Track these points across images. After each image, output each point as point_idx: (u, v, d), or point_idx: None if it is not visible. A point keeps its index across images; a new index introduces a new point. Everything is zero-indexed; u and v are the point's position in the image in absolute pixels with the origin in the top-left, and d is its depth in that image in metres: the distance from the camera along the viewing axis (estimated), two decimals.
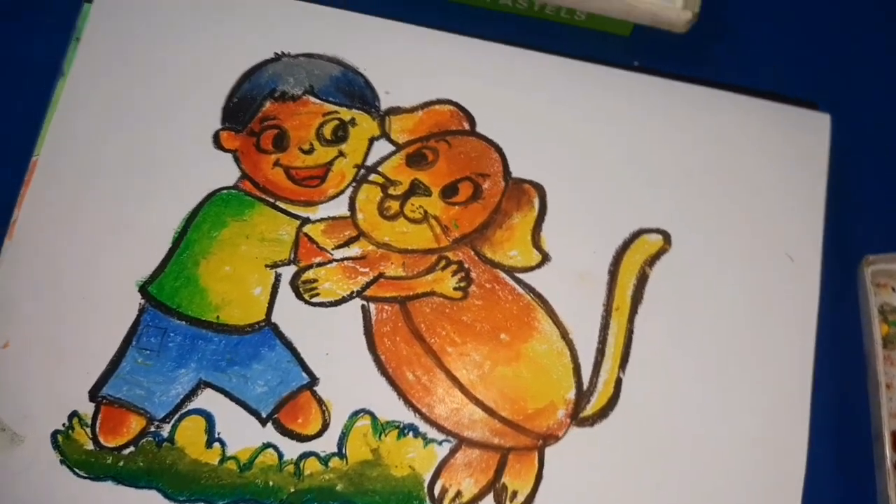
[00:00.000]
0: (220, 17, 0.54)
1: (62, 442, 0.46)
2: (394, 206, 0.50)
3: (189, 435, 0.46)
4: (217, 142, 0.51)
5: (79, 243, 0.49)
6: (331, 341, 0.48)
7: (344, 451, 0.46)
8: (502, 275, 0.49)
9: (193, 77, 0.52)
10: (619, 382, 0.47)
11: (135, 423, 0.47)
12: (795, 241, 0.49)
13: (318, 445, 0.46)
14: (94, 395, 0.47)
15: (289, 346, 0.47)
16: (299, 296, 0.48)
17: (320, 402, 0.47)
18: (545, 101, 0.52)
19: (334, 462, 0.45)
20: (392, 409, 0.46)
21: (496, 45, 0.53)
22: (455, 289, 0.48)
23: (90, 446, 0.46)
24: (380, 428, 0.46)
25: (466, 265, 0.49)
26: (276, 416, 0.46)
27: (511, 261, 0.49)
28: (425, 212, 0.50)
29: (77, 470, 0.46)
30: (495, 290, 0.49)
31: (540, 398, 0.47)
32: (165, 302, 0.48)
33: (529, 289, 0.49)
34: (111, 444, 0.46)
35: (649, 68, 0.54)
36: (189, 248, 0.49)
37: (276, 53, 0.53)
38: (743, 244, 0.49)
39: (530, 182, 0.51)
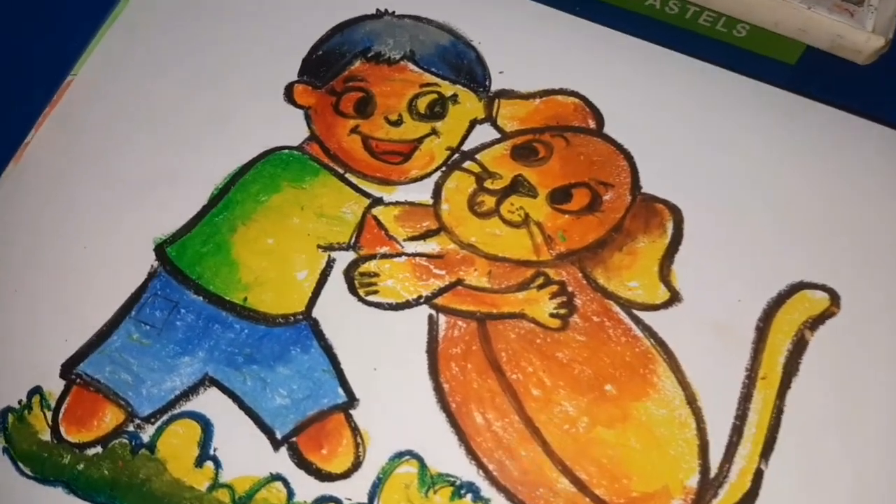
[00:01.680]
0: None
1: (12, 424, 0.35)
2: (489, 201, 0.40)
3: (176, 444, 0.35)
4: (289, 95, 0.42)
5: (96, 182, 0.40)
6: (382, 354, 0.36)
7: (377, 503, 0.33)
8: (616, 308, 0.37)
9: (276, 19, 0.44)
10: (759, 475, 0.34)
11: (110, 416, 0.35)
12: None
13: (342, 490, 0.34)
14: (67, 370, 0.36)
15: (328, 350, 0.36)
16: (353, 290, 0.38)
17: (355, 430, 0.35)
18: (691, 110, 0.42)
19: None
20: (448, 457, 0.34)
21: (637, 39, 0.44)
22: (552, 315, 0.37)
23: (46, 436, 0.35)
24: (428, 481, 0.34)
25: (570, 288, 0.38)
26: (293, 438, 0.35)
27: (630, 293, 0.38)
28: (527, 215, 0.39)
29: (21, 464, 0.35)
30: (605, 327, 0.37)
31: (650, 479, 0.34)
32: (184, 269, 0.38)
33: (651, 332, 0.37)
34: (74, 439, 0.35)
35: (823, 98, 0.44)
36: (228, 210, 0.39)
37: (378, 10, 0.45)
38: None
39: (664, 202, 0.40)
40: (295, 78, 0.43)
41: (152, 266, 0.38)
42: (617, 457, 0.34)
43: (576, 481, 0.34)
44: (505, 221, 0.39)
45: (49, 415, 0.35)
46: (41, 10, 0.45)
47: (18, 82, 0.44)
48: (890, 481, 0.35)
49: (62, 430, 0.35)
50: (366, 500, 0.33)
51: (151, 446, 0.35)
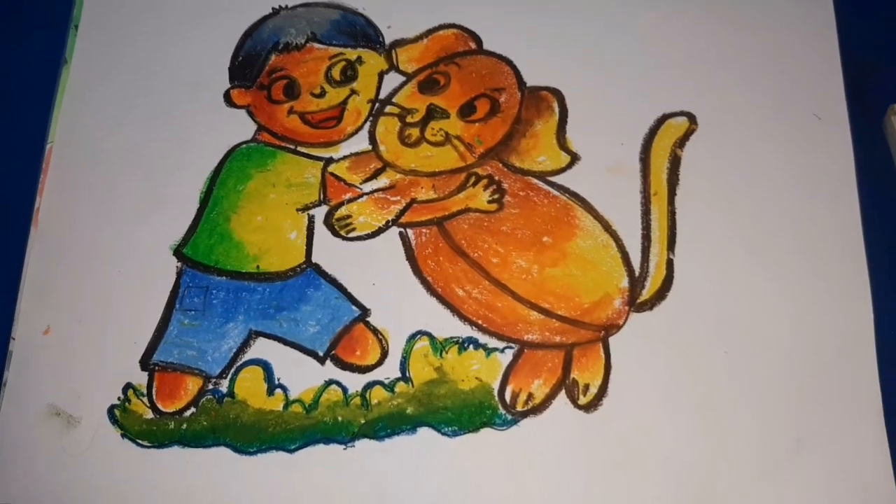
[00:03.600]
0: None
1: (120, 416, 0.45)
2: (414, 133, 0.50)
3: (248, 386, 0.45)
4: (229, 101, 0.51)
5: (106, 220, 0.49)
6: (375, 272, 0.47)
7: (408, 374, 0.45)
8: (534, 181, 0.48)
9: (196, 44, 0.52)
10: (670, 263, 0.46)
11: (191, 385, 0.46)
12: (819, 101, 0.49)
13: (380, 374, 0.45)
14: (145, 363, 0.46)
15: (334, 282, 0.47)
16: (336, 233, 0.48)
17: (375, 331, 0.46)
18: (549, 7, 0.52)
19: (400, 387, 0.45)
20: (448, 326, 0.46)
21: None
22: (489, 202, 0.48)
23: (150, 415, 0.45)
24: (439, 346, 0.45)
25: (497, 177, 0.49)
26: (333, 352, 0.45)
27: (540, 166, 0.49)
28: (447, 133, 0.49)
29: (140, 441, 0.45)
30: (530, 197, 0.48)
31: (594, 291, 0.46)
32: (202, 261, 0.47)
33: (564, 189, 0.48)
34: (171, 409, 0.45)
35: None
36: (217, 205, 0.49)
37: (273, 8, 0.53)
38: (769, 113, 0.49)
39: (546, 88, 0.51)
40: (228, 85, 0.51)
41: (177, 266, 0.48)
42: (566, 284, 0.46)
43: (542, 311, 0.46)
44: (432, 144, 0.49)
45: (145, 400, 0.45)
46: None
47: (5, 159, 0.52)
48: (767, 240, 0.47)
49: (159, 406, 0.45)
50: (399, 374, 0.45)
51: (231, 393, 0.45)
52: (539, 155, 0.49)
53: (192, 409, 0.45)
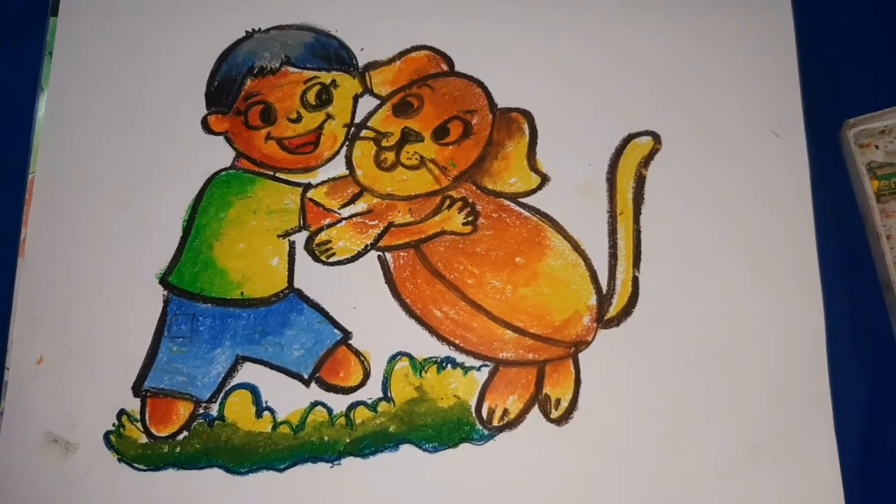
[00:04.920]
0: (186, 8, 0.54)
1: (115, 441, 0.47)
2: (389, 157, 0.51)
3: (238, 410, 0.48)
4: (207, 127, 0.52)
5: (92, 249, 0.50)
6: (356, 295, 0.49)
7: (389, 394, 0.47)
8: (507, 202, 0.50)
9: (171, 71, 0.53)
10: (636, 281, 0.49)
11: (183, 409, 0.48)
12: (778, 118, 0.51)
13: (363, 394, 0.47)
14: (137, 390, 0.48)
15: (316, 307, 0.49)
16: (316, 258, 0.50)
17: (357, 353, 0.48)
18: (518, 28, 0.53)
19: (382, 406, 0.47)
20: (427, 346, 0.48)
21: None
22: (464, 224, 0.50)
23: (144, 440, 0.47)
24: (419, 366, 0.48)
25: (471, 200, 0.50)
26: (317, 374, 0.48)
27: (512, 188, 0.51)
28: (421, 157, 0.51)
29: (136, 465, 0.47)
30: (503, 218, 0.50)
31: (564, 309, 0.48)
32: (187, 289, 0.49)
33: (534, 210, 0.50)
34: (164, 433, 0.47)
35: None
36: (200, 234, 0.50)
37: (247, 31, 0.54)
38: (729, 131, 0.51)
39: (517, 110, 0.52)
40: (205, 112, 0.52)
41: (164, 295, 0.49)
42: (538, 303, 0.48)
43: (516, 329, 0.48)
44: (407, 167, 0.51)
45: (138, 425, 0.48)
46: None
47: None
48: (729, 254, 0.49)
49: (153, 430, 0.47)
50: (381, 394, 0.47)
51: (221, 416, 0.47)
52: (511, 176, 0.51)
53: (185, 433, 0.47)
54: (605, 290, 0.49)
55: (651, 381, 0.47)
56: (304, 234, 0.50)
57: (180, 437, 0.47)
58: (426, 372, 0.47)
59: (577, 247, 0.49)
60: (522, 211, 0.50)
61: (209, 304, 0.49)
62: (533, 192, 0.50)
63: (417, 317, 0.49)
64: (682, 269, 0.49)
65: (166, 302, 0.49)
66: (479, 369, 0.48)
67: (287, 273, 0.49)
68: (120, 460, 0.47)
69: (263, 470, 0.47)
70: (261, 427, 0.47)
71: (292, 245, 0.50)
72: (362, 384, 0.47)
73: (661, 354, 0.48)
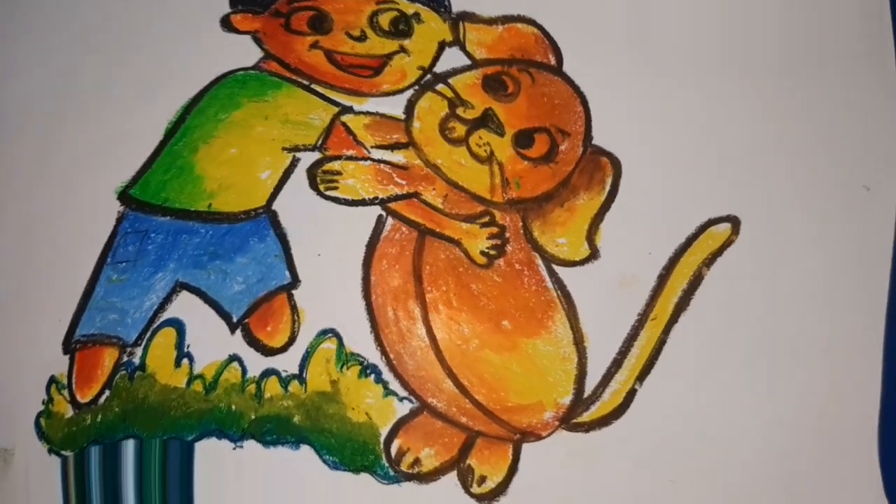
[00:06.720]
0: None
1: (45, 425, 0.42)
2: (459, 129, 0.43)
3: (159, 355, 0.42)
4: (228, 25, 0.44)
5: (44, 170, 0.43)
6: (328, 242, 0.42)
7: (304, 374, 0.41)
8: (539, 261, 0.42)
9: None
10: (631, 394, 0.41)
11: (107, 359, 0.42)
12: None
13: (280, 362, 0.41)
14: (66, 343, 0.42)
15: (282, 238, 0.42)
16: (313, 185, 0.43)
17: (293, 308, 0.42)
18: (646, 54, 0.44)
19: (294, 386, 0.41)
20: (360, 340, 0.41)
21: None
22: (482, 253, 0.42)
23: (70, 413, 0.42)
24: (343, 357, 0.41)
25: (508, 234, 0.42)
26: (246, 320, 0.42)
27: (556, 249, 0.42)
28: (492, 152, 0.42)
29: (63, 451, 0.42)
30: (522, 275, 0.42)
31: (525, 395, 0.41)
32: (150, 200, 0.43)
33: (561, 285, 0.42)
34: (87, 398, 0.42)
35: None
36: (187, 135, 0.43)
37: None
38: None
39: (608, 155, 0.43)
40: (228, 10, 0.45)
41: (118, 212, 0.43)
42: (498, 375, 0.41)
43: (458, 385, 0.41)
44: (472, 153, 0.42)
45: (66, 393, 0.42)
46: None
47: None
48: (753, 398, 0.41)
49: (78, 397, 0.42)
50: (297, 371, 0.41)
51: (142, 365, 0.42)
52: (563, 235, 0.42)
53: (107, 392, 0.42)
54: (586, 394, 0.41)
55: (605, 496, 0.40)
56: (314, 156, 0.43)
57: (102, 399, 0.42)
58: (348, 369, 0.41)
59: (579, 342, 0.41)
60: (547, 279, 0.42)
61: (168, 218, 0.42)
62: (573, 264, 0.42)
63: (370, 301, 0.41)
64: (697, 388, 0.41)
65: (119, 220, 0.43)
66: (401, 400, 0.41)
67: (272, 190, 0.42)
68: (50, 451, 0.42)
69: (174, 439, 0.41)
70: (176, 380, 0.41)
71: (294, 162, 0.43)
72: (284, 349, 0.41)
73: (632, 471, 0.40)
